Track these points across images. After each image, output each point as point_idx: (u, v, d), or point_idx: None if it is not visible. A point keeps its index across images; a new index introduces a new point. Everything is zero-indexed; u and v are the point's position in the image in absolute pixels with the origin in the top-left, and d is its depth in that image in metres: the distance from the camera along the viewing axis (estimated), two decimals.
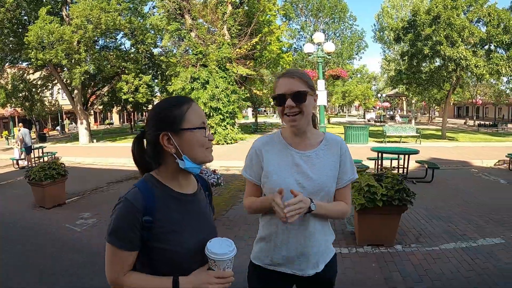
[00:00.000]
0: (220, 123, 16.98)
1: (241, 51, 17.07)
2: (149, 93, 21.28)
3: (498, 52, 18.34)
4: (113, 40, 23.41)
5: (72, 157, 15.12)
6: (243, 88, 17.98)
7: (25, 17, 20.01)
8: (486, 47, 18.96)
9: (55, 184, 7.14)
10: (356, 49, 34.27)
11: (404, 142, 18.16)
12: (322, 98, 15.06)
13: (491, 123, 33.51)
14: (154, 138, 1.26)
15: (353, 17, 34.89)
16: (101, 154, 15.78)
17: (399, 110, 52.47)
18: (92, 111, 30.49)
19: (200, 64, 16.61)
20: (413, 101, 38.13)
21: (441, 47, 17.80)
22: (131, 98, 21.01)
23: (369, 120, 41.97)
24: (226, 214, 6.22)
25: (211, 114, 16.69)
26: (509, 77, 18.62)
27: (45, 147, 16.39)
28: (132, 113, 40.33)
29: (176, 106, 1.28)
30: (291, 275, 1.71)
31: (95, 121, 55.98)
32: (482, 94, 42.06)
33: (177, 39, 17.82)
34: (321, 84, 15.11)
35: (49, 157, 14.28)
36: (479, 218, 5.77)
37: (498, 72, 17.86)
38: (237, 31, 17.70)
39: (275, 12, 21.68)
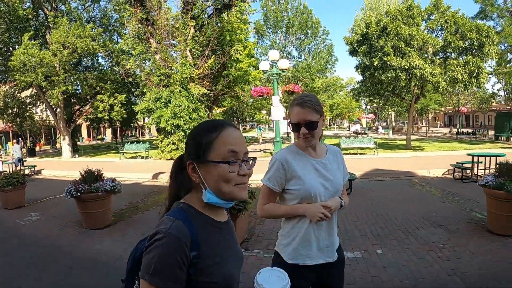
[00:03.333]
0: (183, 139, 18.42)
1: (200, 71, 18.93)
2: (124, 111, 23.39)
3: (457, 59, 18.45)
4: (94, 61, 25.71)
5: (50, 170, 17.23)
6: (203, 106, 19.90)
7: (14, 40, 22.30)
8: (447, 54, 19.26)
9: (15, 190, 9.12)
10: (326, 63, 35.62)
11: (362, 153, 18.98)
12: (276, 113, 16.31)
13: (470, 131, 34.50)
14: (185, 164, 1.26)
15: (326, 32, 36.28)
16: (76, 168, 17.74)
17: (384, 121, 54.18)
18: (79, 126, 32.86)
19: (163, 84, 18.54)
20: (390, 112, 39.89)
21: (388, 57, 17.88)
22: (106, 116, 23.20)
23: (354, 132, 43.72)
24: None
25: (173, 131, 18.46)
26: (466, 83, 18.32)
27: (25, 161, 18.59)
28: (120, 129, 42.47)
29: (206, 132, 1.23)
30: (322, 264, 2.06)
31: (88, 136, 58.28)
32: (464, 102, 43.68)
33: (143, 61, 19.87)
34: (275, 100, 16.22)
35: (29, 169, 16.61)
36: (359, 231, 5.91)
37: (454, 79, 17.94)
38: (199, 52, 19.57)
39: (245, 31, 23.90)
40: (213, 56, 19.08)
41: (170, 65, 18.73)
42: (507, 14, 31.03)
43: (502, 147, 20.72)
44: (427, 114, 45.83)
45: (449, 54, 19.32)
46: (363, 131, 43.25)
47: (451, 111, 49.07)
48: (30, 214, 8.38)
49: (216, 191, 1.21)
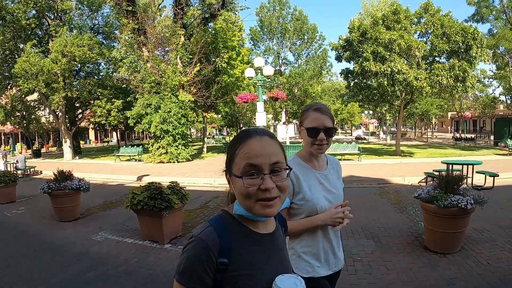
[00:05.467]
0: (172, 144, 19.95)
1: (188, 78, 20.26)
2: (121, 116, 24.80)
3: (444, 63, 18.24)
4: (95, 68, 27.36)
5: (50, 171, 18.75)
6: (193, 112, 21.26)
7: (21, 46, 23.96)
8: (434, 58, 19.12)
9: (7, 187, 10.65)
10: (320, 68, 36.08)
11: (347, 159, 19.31)
12: (261, 119, 16.93)
13: (470, 136, 34.20)
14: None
15: (322, 37, 36.77)
16: (73, 169, 19.27)
17: (390, 127, 55.09)
18: (85, 129, 34.40)
19: (154, 91, 19.92)
20: (387, 118, 40.62)
21: (367, 63, 17.99)
22: (103, 121, 24.94)
23: (355, 138, 44.57)
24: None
25: (162, 136, 19.81)
26: (452, 88, 18.06)
27: (27, 163, 20.26)
28: (123, 132, 44.14)
29: (233, 143, 1.22)
30: (329, 275, 2.07)
31: (95, 138, 60.37)
32: (468, 106, 43.89)
33: (135, 69, 21.06)
34: (260, 106, 16.88)
35: (29, 169, 18.33)
36: None
37: (439, 83, 17.63)
38: (188, 59, 20.94)
39: (238, 37, 25.28)
40: (198, 64, 20.47)
41: (160, 72, 20.03)
42: (502, 15, 29.35)
43: (497, 154, 20.81)
44: (430, 119, 46.29)
45: (437, 58, 19.31)
46: (364, 137, 44.09)
47: (457, 116, 49.44)
48: (18, 208, 9.87)
49: (242, 204, 1.19)
